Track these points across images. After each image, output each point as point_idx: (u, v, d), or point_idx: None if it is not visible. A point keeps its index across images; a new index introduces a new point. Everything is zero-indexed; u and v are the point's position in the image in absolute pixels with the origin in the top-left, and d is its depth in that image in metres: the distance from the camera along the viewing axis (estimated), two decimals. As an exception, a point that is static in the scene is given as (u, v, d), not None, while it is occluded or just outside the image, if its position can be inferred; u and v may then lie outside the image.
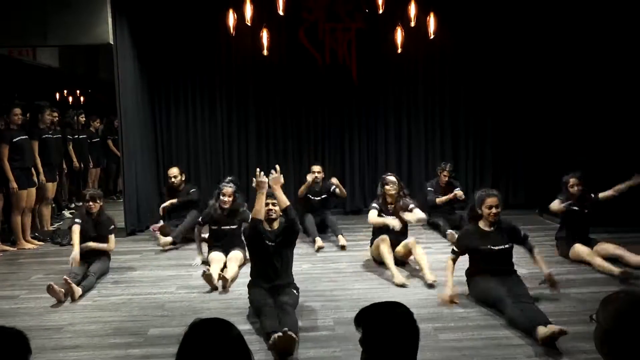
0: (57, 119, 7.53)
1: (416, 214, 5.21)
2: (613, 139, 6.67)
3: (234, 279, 4.84)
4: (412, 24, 5.99)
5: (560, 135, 7.56)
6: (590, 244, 5.29)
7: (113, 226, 5.18)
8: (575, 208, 5.35)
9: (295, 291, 4.05)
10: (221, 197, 5.36)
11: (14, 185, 6.08)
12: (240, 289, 4.65)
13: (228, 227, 5.37)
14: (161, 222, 6.64)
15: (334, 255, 5.78)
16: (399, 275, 4.75)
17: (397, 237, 5.12)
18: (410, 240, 5.08)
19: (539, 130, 7.97)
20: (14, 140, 6.14)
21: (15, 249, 6.22)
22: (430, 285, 4.60)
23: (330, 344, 3.58)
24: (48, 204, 7.05)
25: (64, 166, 8.10)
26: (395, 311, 1.72)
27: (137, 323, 4.00)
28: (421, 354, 3.36)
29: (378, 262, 5.21)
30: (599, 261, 4.99)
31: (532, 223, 7.12)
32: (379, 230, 5.23)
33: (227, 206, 5.34)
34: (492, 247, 4.18)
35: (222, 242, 5.34)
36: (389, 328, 1.66)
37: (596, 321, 1.67)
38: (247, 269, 4.57)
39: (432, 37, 6.14)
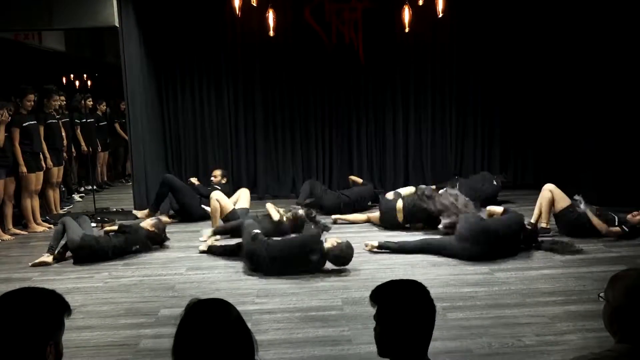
0: (64, 102, 7.55)
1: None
2: (623, 117, 6.57)
3: None
4: (420, 2, 5.91)
5: (569, 115, 7.48)
6: None
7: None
8: None
9: None
10: None
11: (24, 169, 6.15)
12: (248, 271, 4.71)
13: None
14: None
15: (341, 236, 5.79)
16: None
17: None
18: None
19: (549, 111, 7.89)
20: (24, 124, 6.20)
21: (27, 232, 6.31)
22: None
23: (339, 323, 3.61)
24: (55, 188, 7.11)
25: (73, 150, 8.14)
26: (412, 288, 1.74)
27: (148, 304, 4.05)
28: (429, 333, 3.38)
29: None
30: None
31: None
32: None
33: None
34: None
35: None
36: (406, 304, 1.68)
37: (605, 299, 1.67)
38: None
39: (440, 15, 6.06)
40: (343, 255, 4.50)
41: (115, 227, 5.46)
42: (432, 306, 1.70)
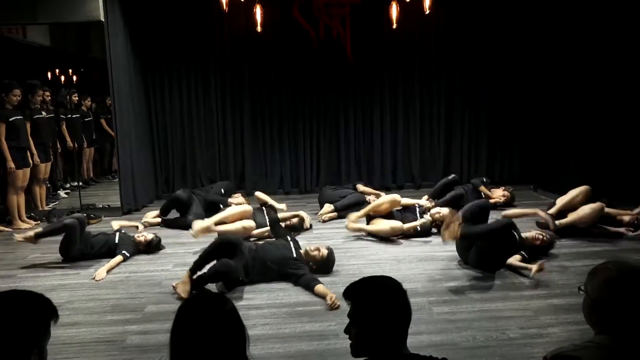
0: (49, 98, 7.47)
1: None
2: (609, 113, 6.65)
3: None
4: (407, -2, 5.92)
5: (555, 111, 7.56)
6: None
7: None
8: None
9: None
10: None
11: (12, 164, 6.08)
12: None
13: None
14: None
15: (329, 231, 5.83)
16: None
17: None
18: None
19: (534, 107, 7.97)
20: (10, 119, 6.13)
21: (11, 229, 6.24)
22: None
23: (326, 317, 3.63)
24: (42, 184, 7.05)
25: (58, 146, 8.06)
26: (385, 285, 1.74)
27: (135, 300, 4.04)
28: (415, 327, 3.44)
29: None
30: None
31: (526, 198, 7.18)
32: None
33: None
34: None
35: None
36: (379, 301, 1.68)
37: (584, 291, 1.70)
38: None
39: (427, 12, 6.08)
40: (327, 265, 4.46)
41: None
42: (406, 302, 1.70)
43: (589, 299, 1.68)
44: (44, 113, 6.98)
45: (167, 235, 5.77)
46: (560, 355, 1.58)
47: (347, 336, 1.73)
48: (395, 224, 5.40)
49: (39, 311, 1.50)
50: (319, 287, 4.01)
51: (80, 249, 4.97)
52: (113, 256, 4.90)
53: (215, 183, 7.23)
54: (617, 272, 1.65)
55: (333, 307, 3.74)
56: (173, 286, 4.06)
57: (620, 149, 6.61)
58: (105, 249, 5.03)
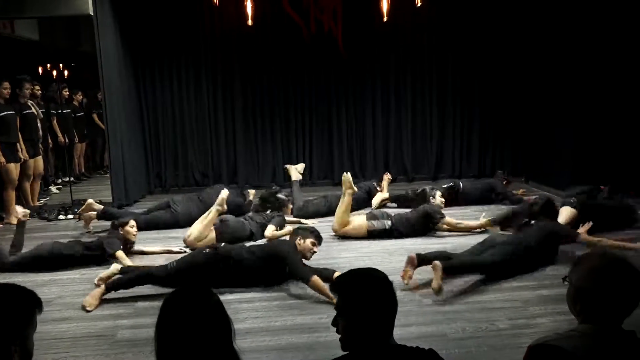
0: (39, 92, 7.42)
1: None
2: (600, 107, 6.68)
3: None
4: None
5: (547, 103, 7.58)
6: None
7: None
8: None
9: None
10: None
11: (2, 159, 6.04)
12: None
13: None
14: None
15: (320, 225, 5.81)
16: None
17: None
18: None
19: (526, 98, 8.00)
20: (1, 115, 6.09)
21: (2, 224, 6.21)
22: None
23: (317, 310, 3.64)
24: (37, 180, 7.01)
25: (49, 141, 8.02)
26: (372, 277, 1.74)
27: (126, 295, 4.02)
28: (405, 319, 3.46)
29: None
30: None
31: (518, 190, 7.21)
32: None
33: None
34: None
35: None
36: (366, 293, 1.68)
37: (568, 281, 1.72)
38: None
39: (419, 4, 6.07)
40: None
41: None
42: (392, 293, 1.71)
43: (572, 288, 1.70)
44: (33, 108, 6.92)
45: (158, 231, 5.76)
46: (542, 344, 1.59)
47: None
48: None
49: (20, 302, 1.50)
50: (315, 280, 3.79)
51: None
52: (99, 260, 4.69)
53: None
54: (600, 261, 1.67)
55: None
56: (95, 283, 4.07)
57: (610, 140, 6.65)
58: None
